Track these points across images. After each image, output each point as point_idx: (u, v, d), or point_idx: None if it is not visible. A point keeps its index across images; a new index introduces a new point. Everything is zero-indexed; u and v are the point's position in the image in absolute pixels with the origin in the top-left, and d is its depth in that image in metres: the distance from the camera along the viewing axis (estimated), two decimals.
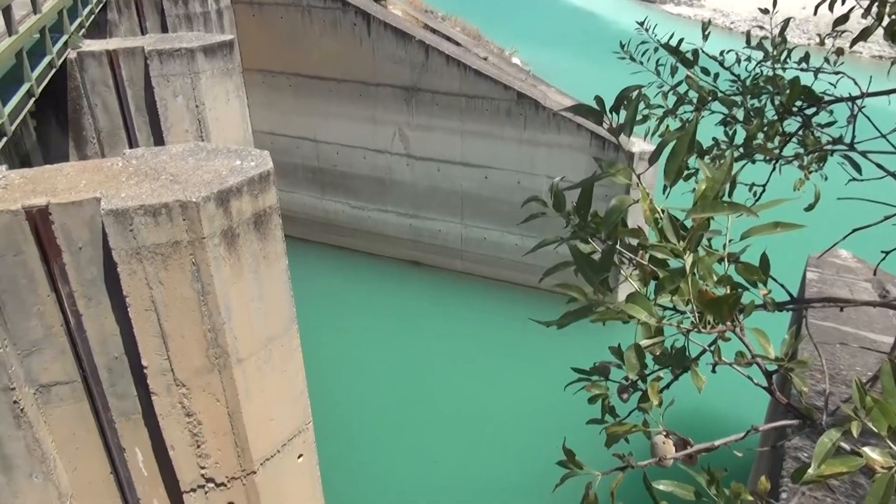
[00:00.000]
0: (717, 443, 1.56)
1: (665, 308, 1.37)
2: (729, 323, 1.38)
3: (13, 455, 5.75)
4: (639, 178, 1.37)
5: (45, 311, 5.71)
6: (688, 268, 1.29)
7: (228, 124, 10.90)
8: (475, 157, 15.63)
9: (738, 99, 3.03)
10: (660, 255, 1.33)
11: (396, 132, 16.10)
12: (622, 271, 1.43)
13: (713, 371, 1.60)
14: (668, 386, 1.80)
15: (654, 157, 1.40)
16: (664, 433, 1.54)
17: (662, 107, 3.11)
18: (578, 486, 1.82)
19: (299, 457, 7.00)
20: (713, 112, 3.08)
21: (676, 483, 1.75)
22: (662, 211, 1.31)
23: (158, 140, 10.13)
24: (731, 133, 3.15)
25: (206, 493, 6.40)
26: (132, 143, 10.04)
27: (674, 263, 1.39)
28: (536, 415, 14.34)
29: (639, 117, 2.59)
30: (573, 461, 1.53)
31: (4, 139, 6.52)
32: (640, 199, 1.35)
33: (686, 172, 2.93)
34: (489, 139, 15.29)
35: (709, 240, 1.45)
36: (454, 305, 16.97)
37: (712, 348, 1.57)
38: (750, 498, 1.71)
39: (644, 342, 1.42)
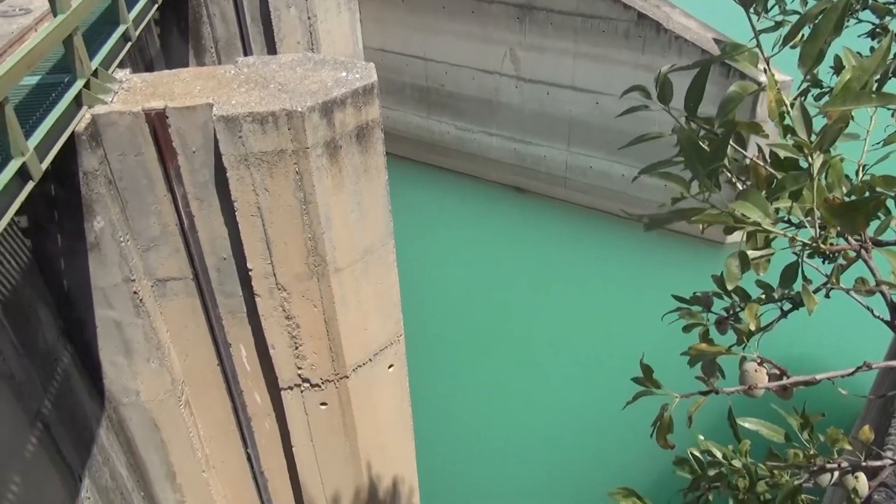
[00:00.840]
0: (818, 376, 1.39)
1: (779, 221, 1.19)
2: (854, 241, 1.19)
3: (133, 340, 6.26)
4: (767, 63, 1.17)
5: (161, 210, 6.05)
6: (815, 169, 1.09)
7: (339, 37, 10.91)
8: (587, 81, 14.95)
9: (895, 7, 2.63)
10: (783, 154, 1.14)
11: (507, 52, 15.60)
12: (730, 174, 1.25)
13: (826, 296, 1.41)
14: (769, 327, 1.62)
15: (790, 35, 1.19)
16: (758, 360, 1.38)
17: (800, 13, 2.74)
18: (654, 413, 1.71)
19: (390, 366, 7.23)
20: (860, 21, 2.70)
21: (764, 423, 1.61)
22: (792, 104, 1.12)
23: (272, 51, 10.30)
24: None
25: (301, 391, 6.76)
26: (247, 53, 10.27)
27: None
28: (627, 346, 14.13)
29: (769, 23, 2.30)
30: (650, 379, 1.41)
31: (129, 44, 6.79)
32: (766, 87, 1.16)
33: (819, 91, 2.60)
34: (603, 63, 14.54)
35: (842, 159, 1.25)
36: (553, 234, 16.73)
37: (830, 273, 1.37)
38: (848, 446, 1.54)
39: (752, 253, 1.25)
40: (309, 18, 10.18)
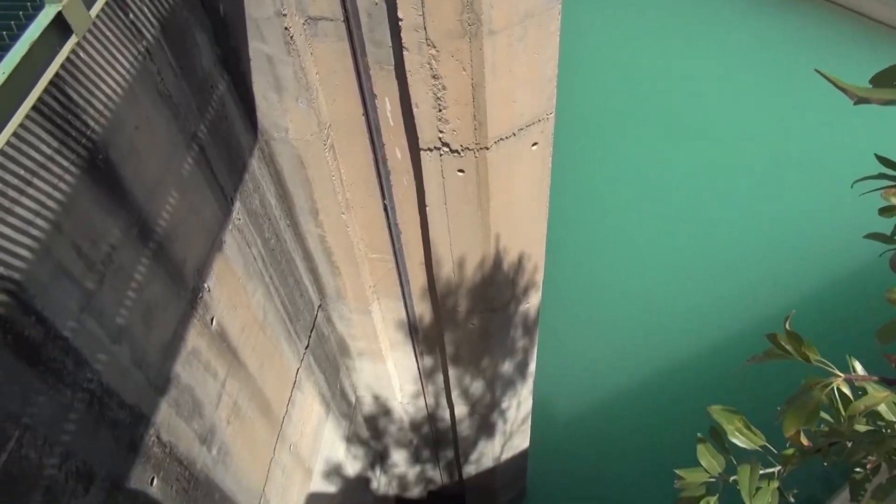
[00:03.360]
0: None
1: None
2: None
3: (283, 77, 6.29)
4: None
5: None
6: None
7: None
8: None
9: None
10: None
11: None
12: None
13: None
14: None
15: None
16: None
17: None
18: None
19: (534, 144, 6.89)
20: None
21: None
22: None
23: None
24: None
25: (440, 155, 6.67)
26: None
27: None
28: (795, 173, 12.69)
29: None
30: (796, 347, 1.00)
31: None
32: None
33: None
34: None
35: None
36: (760, 21, 14.44)
37: None
38: None
39: None
40: None
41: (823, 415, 1.39)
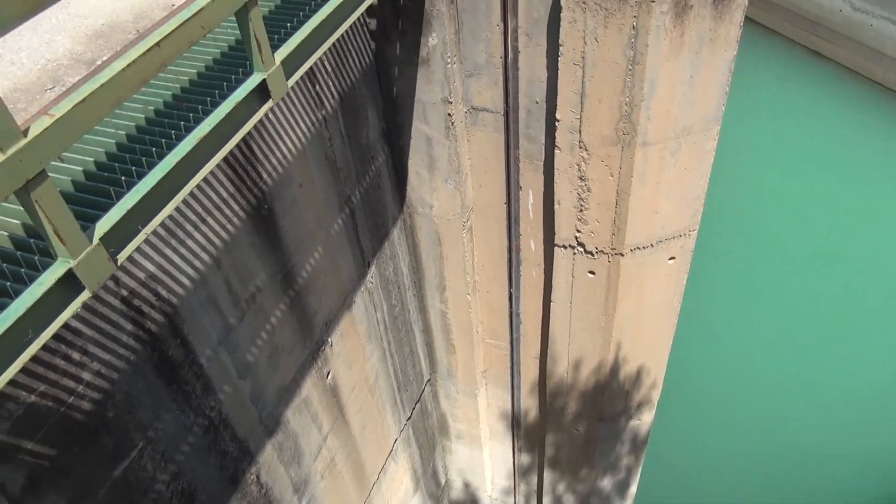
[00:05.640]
0: None
1: None
2: None
3: (437, 158, 6.66)
4: None
5: (491, 39, 6.04)
6: None
7: None
8: None
9: None
10: None
11: None
12: None
13: None
14: None
15: None
16: None
17: None
18: None
19: (671, 258, 6.76)
20: None
21: None
22: None
23: None
24: None
25: (574, 254, 6.70)
26: None
27: None
28: None
29: None
30: None
31: None
32: None
33: None
34: None
35: None
36: None
37: None
38: None
39: None
40: None
41: None
